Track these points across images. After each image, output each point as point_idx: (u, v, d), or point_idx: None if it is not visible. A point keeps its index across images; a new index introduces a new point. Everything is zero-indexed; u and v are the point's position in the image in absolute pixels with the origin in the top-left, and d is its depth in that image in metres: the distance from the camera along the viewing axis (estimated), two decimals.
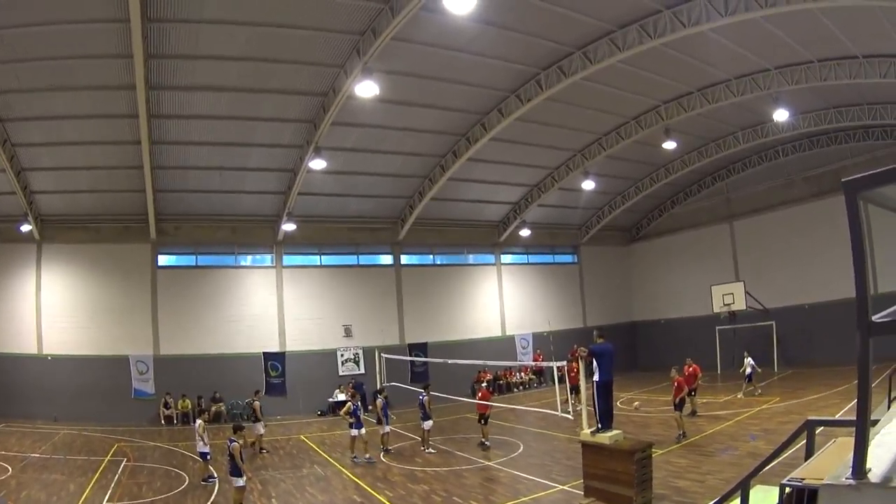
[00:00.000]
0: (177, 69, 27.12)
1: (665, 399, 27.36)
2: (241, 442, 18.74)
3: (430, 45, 26.81)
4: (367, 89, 25.64)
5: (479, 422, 26.86)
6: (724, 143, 41.46)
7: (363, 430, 24.97)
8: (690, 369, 28.55)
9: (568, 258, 54.25)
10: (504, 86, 31.35)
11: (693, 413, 28.15)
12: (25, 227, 36.22)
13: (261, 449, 28.01)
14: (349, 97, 27.59)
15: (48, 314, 37.94)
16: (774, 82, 31.38)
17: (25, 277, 38.14)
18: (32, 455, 26.80)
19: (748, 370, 33.40)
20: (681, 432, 24.03)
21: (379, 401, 27.45)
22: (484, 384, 30.10)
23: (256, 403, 29.21)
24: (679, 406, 24.65)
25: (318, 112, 30.64)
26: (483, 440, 26.52)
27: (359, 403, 25.94)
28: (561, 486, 18.46)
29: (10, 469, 23.73)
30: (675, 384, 25.07)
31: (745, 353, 34.26)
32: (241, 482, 17.97)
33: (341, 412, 27.89)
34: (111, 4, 22.29)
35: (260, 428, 28.45)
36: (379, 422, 27.13)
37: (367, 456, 24.50)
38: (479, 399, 27.45)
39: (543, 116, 34.13)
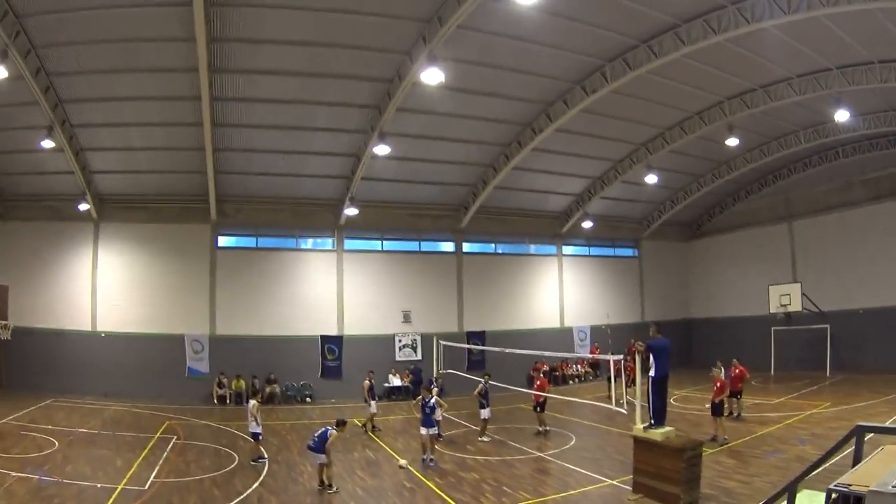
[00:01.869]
0: (240, 52, 27.77)
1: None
2: (339, 434, 19.58)
3: (497, 33, 27.04)
4: (432, 76, 25.78)
5: (535, 410, 26.98)
6: (785, 141, 40.95)
7: (434, 430, 23.37)
8: (737, 371, 27.87)
9: (628, 252, 54.01)
10: (569, 76, 31.45)
11: (737, 416, 27.57)
12: (83, 206, 37.21)
13: (373, 427, 28.56)
14: (414, 84, 27.95)
15: (103, 292, 39.10)
16: (836, 82, 31.10)
17: (82, 255, 39.33)
18: (80, 430, 27.30)
19: None
20: (717, 435, 23.48)
21: (435, 389, 27.01)
22: (541, 373, 29.56)
23: (366, 383, 29.66)
24: (717, 409, 24.05)
25: (384, 98, 31.02)
26: (540, 428, 26.73)
27: (433, 400, 23.50)
28: (610, 481, 18.56)
29: (56, 443, 24.11)
30: (717, 385, 24.58)
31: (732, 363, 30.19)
32: (324, 459, 18.67)
33: (413, 402, 28.00)
34: None
35: (372, 407, 29.01)
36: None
37: (425, 456, 22.54)
38: (537, 387, 27.23)
39: (608, 108, 34.22)
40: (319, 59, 28.62)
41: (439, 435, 25.77)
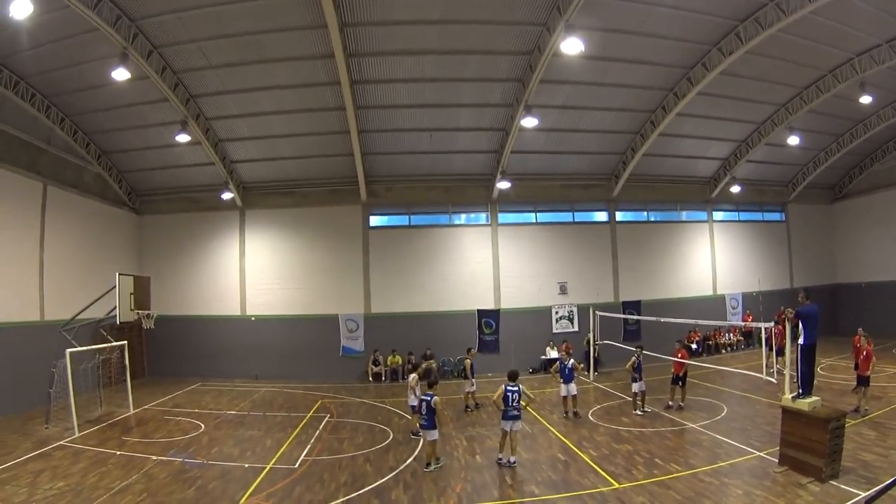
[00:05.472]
0: (375, 36, 29.06)
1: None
2: (438, 397, 20.37)
3: None
4: (571, 46, 26.09)
5: (676, 384, 27.15)
6: None
7: (573, 387, 26.83)
8: (864, 351, 24.51)
9: (776, 216, 53.00)
10: (705, 39, 31.42)
11: (856, 410, 23.35)
12: (227, 195, 39.93)
13: (465, 407, 29.30)
14: (555, 55, 28.50)
15: (252, 277, 42.00)
16: None
17: (228, 243, 42.42)
18: (228, 412, 29.40)
19: None
20: (859, 406, 23.37)
21: (468, 361, 29.47)
22: (682, 344, 29.12)
23: (468, 361, 30.25)
24: (863, 379, 23.71)
25: (526, 70, 31.81)
26: (670, 403, 27.18)
27: (571, 362, 27.46)
28: (758, 453, 18.98)
29: (202, 426, 26.13)
30: (864, 354, 24.02)
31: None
32: (434, 435, 19.68)
33: (552, 370, 29.40)
34: None
35: (468, 385, 29.73)
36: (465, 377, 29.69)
37: (567, 410, 26.84)
38: (679, 359, 27.26)
39: (746, 70, 33.95)
40: (456, 36, 29.55)
41: (467, 406, 28.80)
